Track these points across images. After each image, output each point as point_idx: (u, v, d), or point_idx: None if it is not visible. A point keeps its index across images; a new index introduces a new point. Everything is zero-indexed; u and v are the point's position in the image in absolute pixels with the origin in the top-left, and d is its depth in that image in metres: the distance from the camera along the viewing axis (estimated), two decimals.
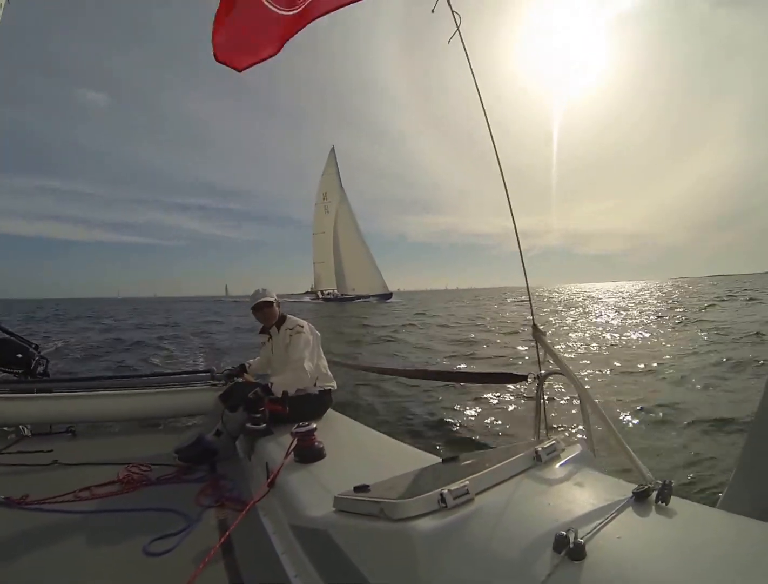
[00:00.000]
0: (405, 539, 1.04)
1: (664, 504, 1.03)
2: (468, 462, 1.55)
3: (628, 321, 19.21)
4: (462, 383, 6.94)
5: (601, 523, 0.95)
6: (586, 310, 28.80)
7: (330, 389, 2.93)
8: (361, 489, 1.36)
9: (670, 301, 33.11)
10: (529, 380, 2.02)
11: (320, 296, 68.74)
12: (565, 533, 0.89)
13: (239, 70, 2.38)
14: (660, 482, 1.07)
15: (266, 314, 2.97)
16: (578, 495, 1.16)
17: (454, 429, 5.43)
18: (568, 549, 0.87)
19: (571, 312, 27.66)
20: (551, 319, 21.98)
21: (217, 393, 3.01)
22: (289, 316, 3.04)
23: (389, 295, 65.46)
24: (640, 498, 1.05)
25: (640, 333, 14.36)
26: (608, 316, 23.01)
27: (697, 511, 1.06)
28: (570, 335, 15.12)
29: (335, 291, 67.65)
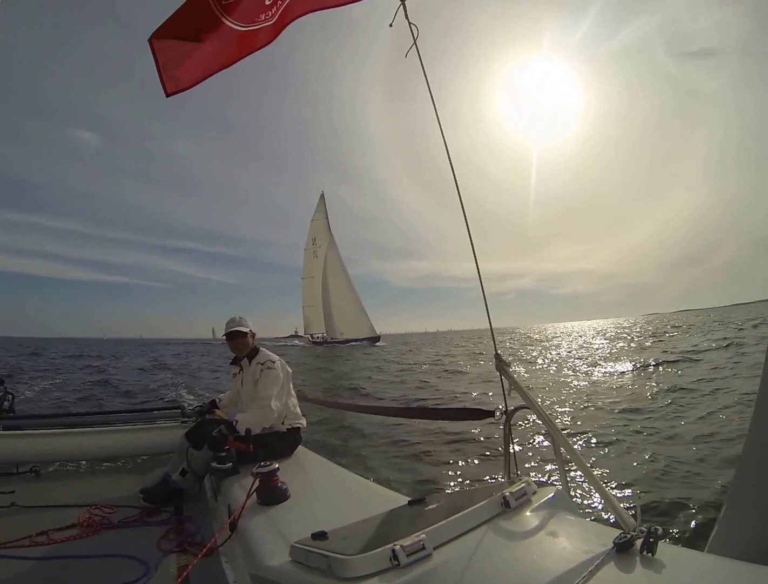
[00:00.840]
0: None
1: (650, 554, 0.91)
2: (434, 505, 1.48)
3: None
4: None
5: (579, 582, 0.84)
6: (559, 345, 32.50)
7: (299, 427, 2.89)
8: (319, 536, 1.27)
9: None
10: (496, 416, 1.93)
11: (310, 339, 68.22)
12: None
13: (185, 89, 2.30)
14: (644, 529, 0.96)
15: (238, 344, 2.93)
16: (552, 547, 1.05)
17: (427, 466, 5.29)
18: None
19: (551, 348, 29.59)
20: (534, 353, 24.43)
21: (185, 430, 2.90)
22: (262, 349, 2.99)
23: (377, 338, 65.25)
24: (622, 549, 0.94)
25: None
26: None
27: (687, 559, 0.97)
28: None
29: (324, 334, 67.30)
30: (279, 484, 1.99)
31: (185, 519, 2.35)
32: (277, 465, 2.00)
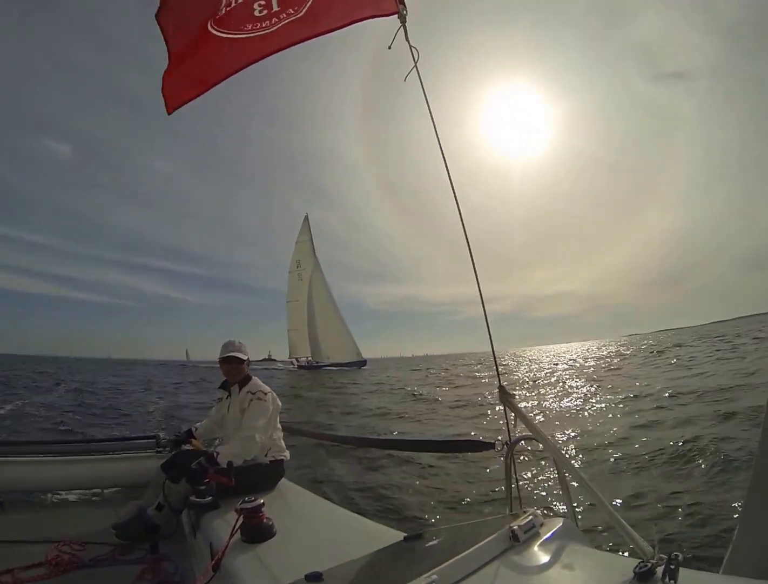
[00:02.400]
0: None
1: (672, 581, 0.89)
2: (435, 541, 1.42)
3: None
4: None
5: None
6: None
7: (282, 459, 2.81)
8: (314, 578, 1.22)
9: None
10: (497, 447, 1.87)
11: (296, 363, 67.31)
12: None
13: (186, 101, 2.34)
14: (664, 556, 0.93)
15: (232, 370, 2.86)
16: (569, 581, 1.01)
17: (417, 499, 5.09)
18: None
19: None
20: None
21: (161, 461, 2.80)
22: (254, 378, 2.91)
23: (364, 362, 64.79)
24: (644, 578, 0.91)
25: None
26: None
27: (708, 582, 0.95)
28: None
29: (309, 358, 66.45)
30: (264, 520, 1.89)
31: (162, 557, 2.23)
32: (262, 501, 1.91)
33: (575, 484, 1.38)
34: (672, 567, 0.90)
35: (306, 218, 72.65)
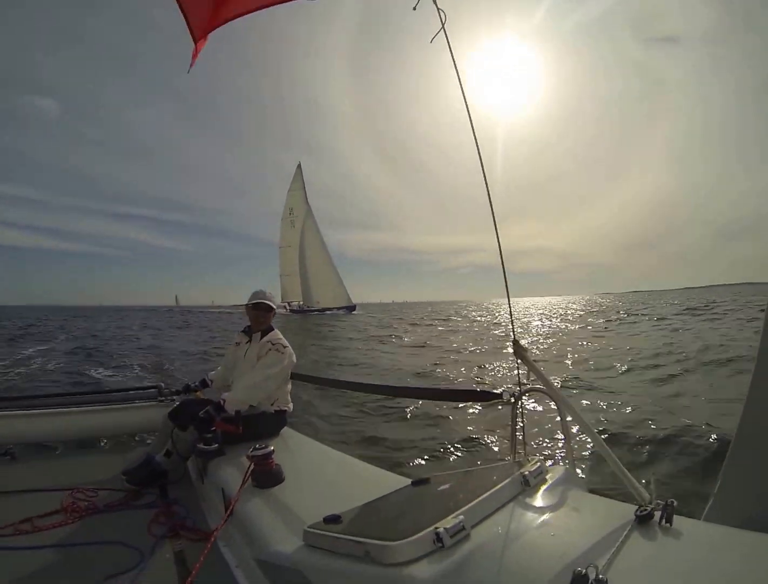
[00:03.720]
0: None
1: (668, 524, 0.99)
2: (446, 485, 1.46)
3: None
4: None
5: (613, 553, 0.90)
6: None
7: (285, 410, 2.84)
8: (332, 519, 1.27)
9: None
10: (504, 398, 1.93)
11: (287, 308, 67.98)
12: (583, 570, 0.82)
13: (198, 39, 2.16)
14: (661, 502, 1.04)
15: (260, 317, 2.86)
16: (579, 522, 1.10)
17: (415, 446, 5.16)
18: None
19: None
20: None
21: (166, 410, 2.87)
22: (276, 330, 2.92)
23: (353, 307, 65.73)
24: (643, 521, 1.01)
25: None
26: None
27: (701, 529, 1.03)
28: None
29: (301, 303, 67.14)
30: (274, 467, 1.97)
31: (172, 501, 2.27)
32: (272, 448, 1.97)
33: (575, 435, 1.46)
34: (669, 511, 1.01)
35: (299, 166, 70.65)
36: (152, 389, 3.43)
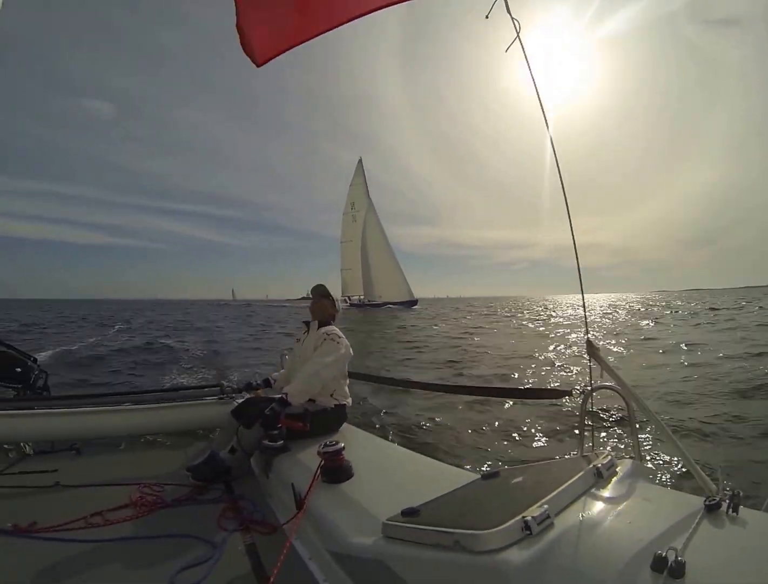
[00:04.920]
0: (496, 574, 0.98)
1: (734, 513, 1.05)
2: (519, 478, 1.50)
3: None
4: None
5: (687, 538, 0.95)
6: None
7: (345, 404, 2.86)
8: (411, 513, 1.33)
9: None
10: (574, 395, 1.97)
11: (348, 302, 69.60)
12: (663, 552, 0.87)
13: (258, 65, 2.17)
14: (728, 492, 1.11)
15: (317, 304, 2.97)
16: (653, 511, 1.15)
17: (478, 444, 5.18)
18: (669, 568, 0.85)
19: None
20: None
21: (227, 408, 2.89)
22: (335, 325, 2.98)
23: (415, 302, 65.57)
24: (711, 510, 1.07)
25: None
26: None
27: (765, 520, 1.08)
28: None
29: (362, 297, 68.24)
30: (344, 462, 1.99)
31: (239, 496, 2.29)
32: (342, 444, 1.99)
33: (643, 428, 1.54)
34: (735, 501, 1.07)
35: (360, 161, 71.69)
36: (215, 387, 3.50)
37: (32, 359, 3.35)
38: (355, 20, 2.10)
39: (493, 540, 1.02)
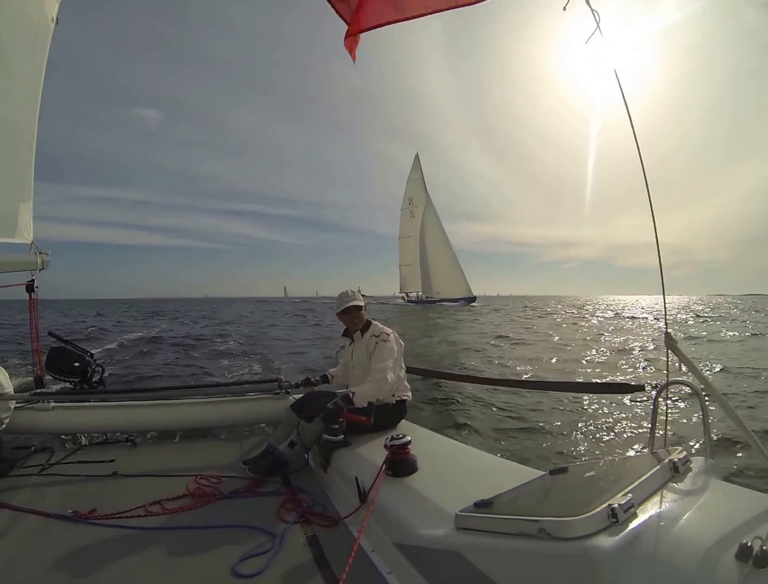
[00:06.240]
0: (586, 560, 0.98)
1: None
2: (588, 472, 1.51)
3: None
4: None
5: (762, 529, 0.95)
6: None
7: (405, 400, 2.81)
8: (484, 504, 1.33)
9: None
10: (646, 389, 1.97)
11: (405, 299, 69.57)
12: (749, 542, 0.88)
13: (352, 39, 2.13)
14: None
15: (354, 319, 2.87)
16: (732, 505, 1.17)
17: (541, 441, 5.06)
18: (755, 557, 0.85)
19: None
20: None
21: (284, 403, 2.89)
22: (374, 322, 2.92)
23: (473, 299, 64.15)
24: None
25: None
26: None
27: None
28: None
29: (420, 293, 67.96)
30: (410, 456, 1.97)
31: (298, 489, 2.28)
32: (409, 438, 1.98)
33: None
34: None
35: (416, 156, 71.17)
36: (272, 383, 3.48)
37: (89, 354, 3.45)
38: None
39: (581, 526, 1.01)
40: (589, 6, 1.62)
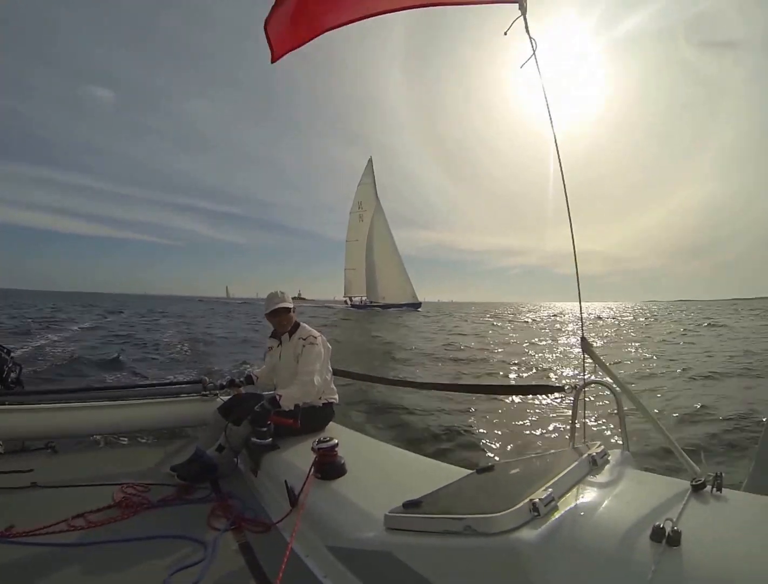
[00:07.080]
0: (511, 552, 1.02)
1: (719, 492, 1.15)
2: (515, 469, 1.57)
3: None
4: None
5: (679, 513, 1.03)
6: None
7: (333, 402, 2.85)
8: (413, 504, 1.35)
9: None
10: (566, 389, 2.06)
11: (349, 303, 69.26)
12: (661, 523, 0.95)
13: (272, 61, 2.13)
14: (711, 474, 1.19)
15: (282, 321, 2.86)
16: (646, 492, 1.25)
17: (466, 441, 5.24)
18: (667, 537, 0.93)
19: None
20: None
21: (209, 405, 2.83)
22: (302, 324, 2.92)
23: (418, 304, 65.42)
24: (697, 489, 1.16)
25: None
26: None
27: (746, 499, 1.19)
28: None
29: (364, 298, 68.01)
30: (338, 458, 1.98)
31: (228, 495, 2.24)
32: (336, 440, 1.99)
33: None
34: (718, 481, 1.16)
35: (370, 160, 71.46)
36: (196, 384, 3.38)
37: (5, 350, 3.18)
38: (364, 20, 2.05)
39: (505, 521, 1.06)
40: (528, 34, 1.73)
